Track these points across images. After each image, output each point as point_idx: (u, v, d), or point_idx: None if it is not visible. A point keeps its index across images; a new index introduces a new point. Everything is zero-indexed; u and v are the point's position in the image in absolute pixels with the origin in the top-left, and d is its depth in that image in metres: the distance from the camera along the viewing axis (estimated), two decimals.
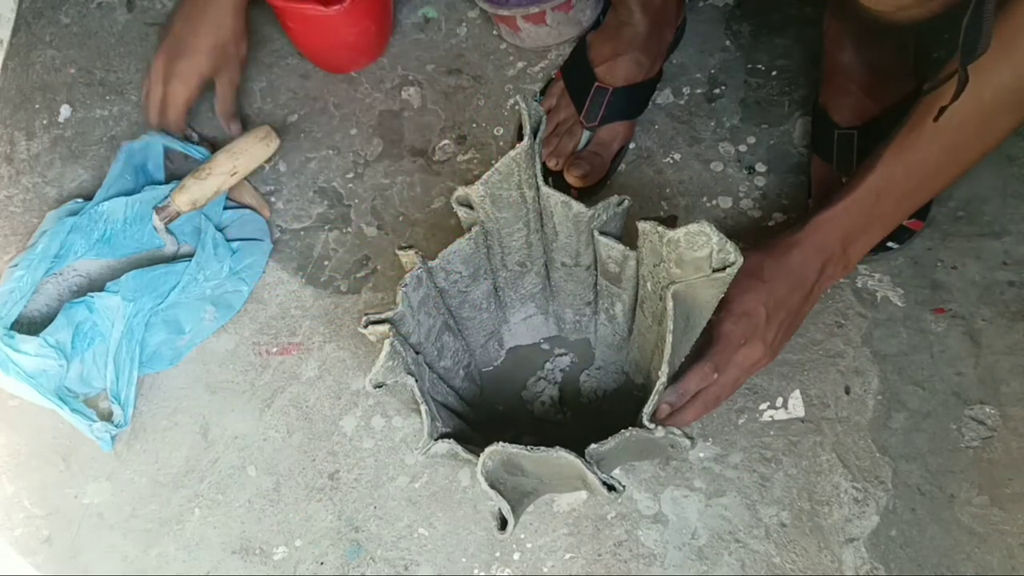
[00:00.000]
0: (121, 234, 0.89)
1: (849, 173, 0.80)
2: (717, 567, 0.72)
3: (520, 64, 0.99)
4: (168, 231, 0.89)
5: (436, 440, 0.62)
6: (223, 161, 0.89)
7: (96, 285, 0.89)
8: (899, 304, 0.80)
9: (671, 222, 0.86)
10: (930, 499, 0.72)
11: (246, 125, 0.98)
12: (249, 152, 0.90)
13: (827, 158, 0.83)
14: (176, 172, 0.96)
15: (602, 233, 0.67)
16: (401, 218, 0.92)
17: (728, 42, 0.95)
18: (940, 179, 0.66)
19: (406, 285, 0.64)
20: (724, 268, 0.56)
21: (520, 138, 0.65)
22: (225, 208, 0.92)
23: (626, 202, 0.66)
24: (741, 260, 0.55)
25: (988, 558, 0.70)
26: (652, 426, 0.57)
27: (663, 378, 0.58)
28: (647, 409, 0.58)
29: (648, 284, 0.67)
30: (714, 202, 0.87)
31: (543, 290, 0.78)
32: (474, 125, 0.96)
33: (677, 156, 0.90)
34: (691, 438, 0.57)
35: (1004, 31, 0.57)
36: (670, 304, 0.58)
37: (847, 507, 0.73)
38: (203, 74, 0.93)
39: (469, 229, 0.67)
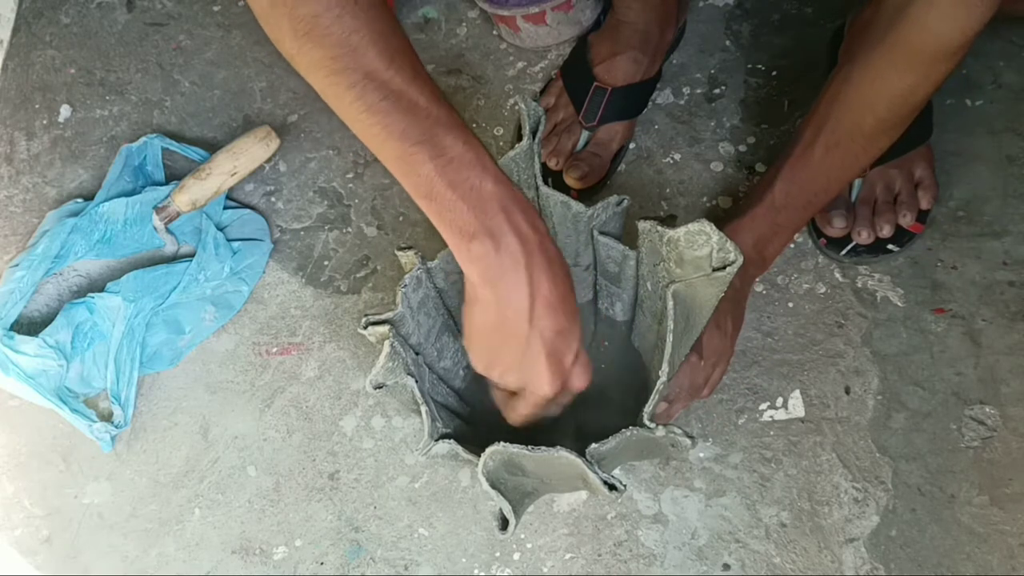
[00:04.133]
0: (121, 234, 0.89)
1: None
2: (717, 567, 0.72)
3: (520, 64, 0.99)
4: (168, 231, 0.90)
5: (436, 441, 0.62)
6: (223, 161, 0.89)
7: (96, 285, 0.89)
8: (899, 304, 0.80)
9: (671, 222, 0.86)
10: (930, 499, 0.72)
11: (246, 125, 0.98)
12: (249, 152, 0.90)
13: None
14: (176, 172, 0.96)
15: (601, 233, 0.67)
16: (401, 218, 0.92)
17: (728, 42, 0.95)
18: (835, 188, 0.72)
19: (405, 286, 0.64)
20: (724, 267, 0.56)
21: (520, 138, 0.65)
22: (225, 208, 0.92)
23: (625, 202, 0.66)
24: (741, 259, 0.55)
25: (988, 558, 0.70)
26: (652, 425, 0.57)
27: (663, 377, 0.58)
28: (647, 409, 0.58)
29: (648, 284, 0.67)
30: (714, 202, 0.87)
31: None
32: (474, 125, 0.96)
33: (677, 156, 0.90)
34: (691, 437, 0.57)
35: (908, 42, 0.60)
36: (670, 303, 0.58)
37: (847, 507, 0.73)
38: None
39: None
